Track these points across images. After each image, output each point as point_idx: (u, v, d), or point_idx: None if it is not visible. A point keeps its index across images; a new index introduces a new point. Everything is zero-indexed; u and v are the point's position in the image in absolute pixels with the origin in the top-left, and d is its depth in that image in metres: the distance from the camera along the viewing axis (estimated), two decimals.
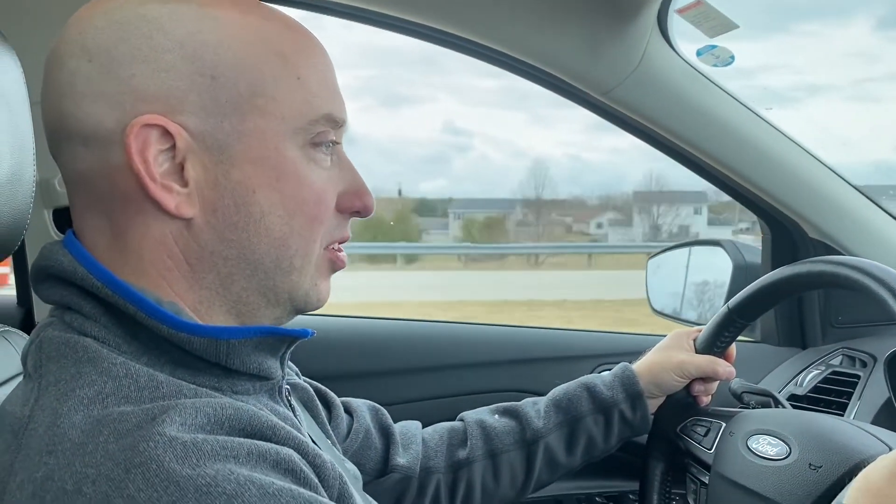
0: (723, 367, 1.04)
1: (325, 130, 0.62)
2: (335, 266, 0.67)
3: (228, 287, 0.60)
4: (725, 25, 1.11)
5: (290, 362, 0.87)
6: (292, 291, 0.63)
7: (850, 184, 1.34)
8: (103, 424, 0.49)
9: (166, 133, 0.56)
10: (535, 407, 1.03)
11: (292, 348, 0.66)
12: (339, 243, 0.67)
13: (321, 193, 0.62)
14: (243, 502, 0.46)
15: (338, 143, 0.65)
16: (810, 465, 0.83)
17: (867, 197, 1.35)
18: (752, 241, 1.58)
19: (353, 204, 0.66)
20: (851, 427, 0.88)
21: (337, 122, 0.63)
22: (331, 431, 0.86)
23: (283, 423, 0.55)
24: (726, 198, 1.41)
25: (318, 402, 0.87)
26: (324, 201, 0.63)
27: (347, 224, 0.67)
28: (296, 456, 0.52)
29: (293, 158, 0.60)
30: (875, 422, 1.06)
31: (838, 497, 0.70)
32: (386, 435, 0.97)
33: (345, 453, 0.89)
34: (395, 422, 1.01)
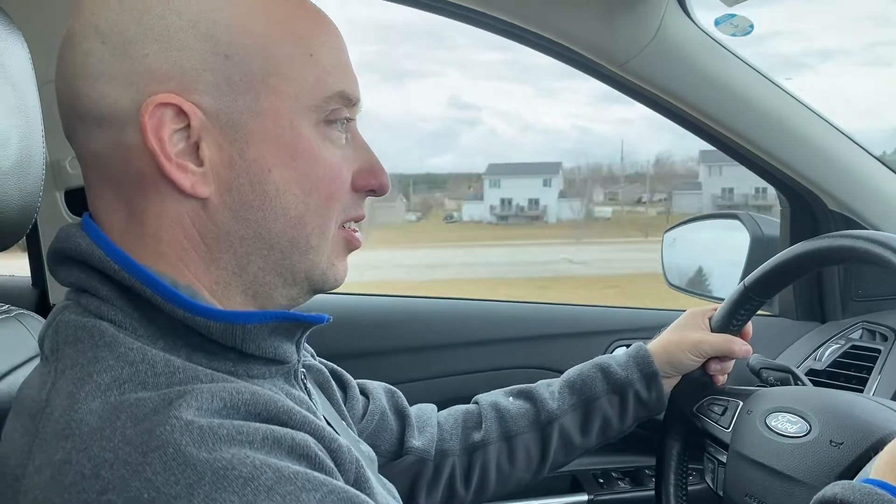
0: (739, 345, 1.03)
1: (338, 108, 0.62)
2: (351, 245, 0.67)
3: (245, 267, 0.60)
4: None
5: (305, 344, 0.88)
6: (309, 271, 0.63)
7: (871, 154, 1.31)
8: (120, 410, 0.49)
9: (181, 112, 0.56)
10: (549, 389, 1.03)
11: (308, 332, 0.66)
12: (355, 221, 0.67)
13: (336, 171, 0.62)
14: (259, 486, 0.46)
15: (352, 121, 0.65)
16: (831, 441, 0.82)
17: (889, 167, 1.33)
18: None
19: (369, 182, 0.66)
20: (872, 403, 0.87)
21: (350, 100, 0.63)
22: (346, 413, 0.87)
23: (298, 408, 0.55)
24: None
25: (333, 383, 0.87)
26: (339, 178, 0.62)
27: (363, 202, 0.67)
28: (311, 441, 0.53)
29: (308, 136, 0.60)
30: None
31: (863, 470, 0.70)
32: (402, 417, 0.97)
33: (360, 435, 0.89)
34: (410, 400, 1.01)
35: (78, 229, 0.59)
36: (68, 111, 0.58)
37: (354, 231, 0.67)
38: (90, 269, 0.57)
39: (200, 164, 0.57)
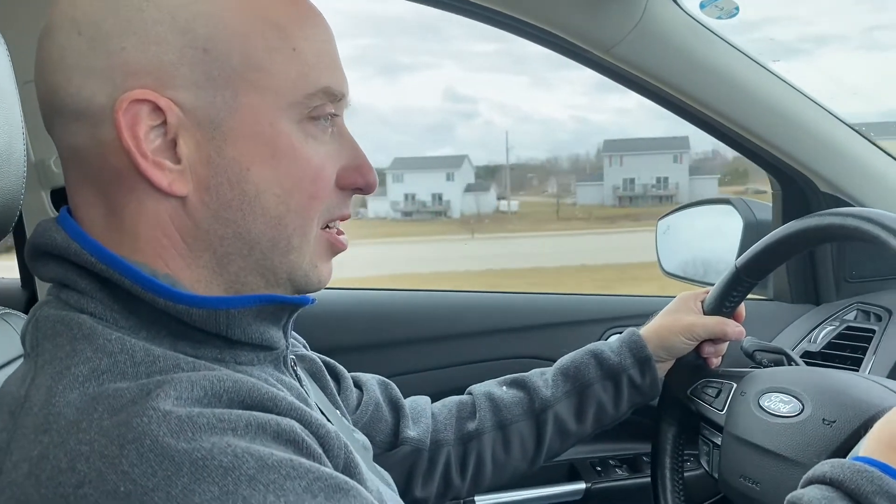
0: (732, 327, 1.03)
1: (322, 104, 0.60)
2: (335, 248, 0.66)
3: (225, 266, 0.59)
4: None
5: (297, 335, 0.87)
6: (291, 272, 0.62)
7: (861, 134, 1.31)
8: (98, 401, 0.48)
9: (157, 108, 0.54)
10: (542, 377, 1.03)
11: (294, 316, 0.65)
12: (341, 220, 0.66)
13: (318, 170, 0.61)
14: (240, 475, 0.46)
15: (337, 116, 0.63)
16: (824, 420, 0.82)
17: (879, 148, 1.32)
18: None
19: (355, 180, 0.64)
20: (865, 381, 0.87)
21: (335, 96, 0.61)
22: (340, 402, 0.86)
23: (283, 394, 0.54)
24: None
25: (326, 373, 0.87)
26: (322, 178, 0.61)
27: (349, 201, 0.66)
28: (297, 426, 0.52)
29: (289, 133, 0.59)
30: (891, 376, 1.05)
31: (854, 448, 0.69)
32: (396, 408, 0.97)
33: (354, 426, 0.89)
34: (405, 393, 1.01)
35: (54, 224, 0.59)
36: (47, 105, 0.58)
37: (339, 234, 0.66)
38: (68, 264, 0.57)
39: (178, 161, 0.56)
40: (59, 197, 1.22)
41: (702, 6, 1.16)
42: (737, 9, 1.15)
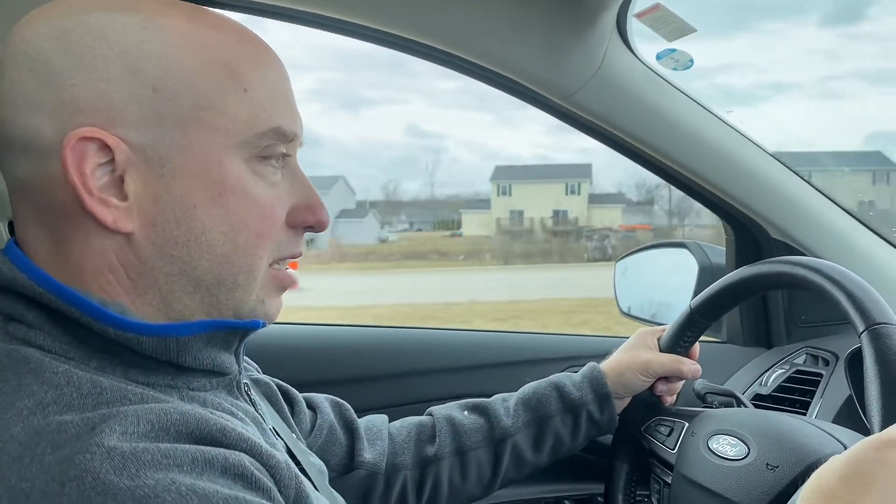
0: (687, 365, 1.05)
1: (273, 143, 0.61)
2: (283, 284, 0.66)
3: (171, 304, 0.59)
4: (683, 29, 1.12)
5: (248, 359, 0.87)
6: (237, 308, 0.62)
7: (810, 184, 1.35)
8: (41, 436, 0.48)
9: (105, 146, 0.55)
10: (504, 404, 1.04)
11: (245, 341, 0.66)
12: (291, 258, 0.66)
13: (266, 209, 0.61)
14: None
15: (289, 156, 0.64)
16: (767, 464, 0.84)
17: (828, 198, 1.37)
18: None
19: (306, 219, 0.65)
20: (809, 426, 0.89)
21: (287, 136, 0.62)
22: (294, 426, 0.86)
23: (233, 426, 0.54)
24: None
25: (280, 397, 0.87)
26: (269, 217, 0.61)
27: (300, 239, 0.66)
28: (246, 459, 0.52)
29: (237, 173, 0.59)
30: (836, 419, 1.07)
31: (793, 498, 0.71)
32: (350, 430, 0.97)
33: (309, 448, 0.88)
34: None
35: (1, 256, 0.58)
36: None
37: (287, 270, 0.66)
38: (15, 295, 0.57)
39: (124, 198, 0.56)
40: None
41: (658, 57, 1.21)
42: (691, 61, 1.19)
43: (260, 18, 1.13)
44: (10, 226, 1.18)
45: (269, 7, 1.09)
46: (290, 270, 0.67)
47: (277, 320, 0.70)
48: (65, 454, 0.46)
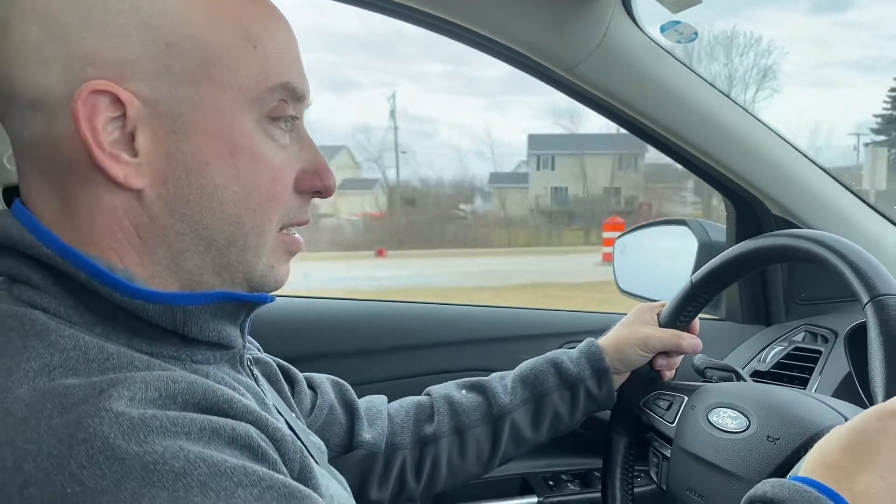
0: (687, 340, 1.05)
1: (283, 102, 0.61)
2: (291, 249, 0.66)
3: (180, 263, 0.59)
4: (688, 1, 1.10)
5: (251, 338, 0.87)
6: (247, 271, 0.62)
7: (811, 160, 1.34)
8: (48, 398, 0.47)
9: (117, 101, 0.54)
10: (501, 382, 1.04)
11: (252, 315, 0.65)
12: (299, 225, 0.66)
13: (277, 171, 0.61)
14: (192, 481, 0.45)
15: (297, 119, 0.64)
16: (768, 437, 0.84)
17: (828, 174, 1.36)
18: None
19: (314, 184, 0.65)
20: (810, 399, 0.89)
21: (295, 93, 0.62)
22: (294, 406, 0.86)
23: (239, 397, 0.54)
24: None
25: (281, 376, 0.87)
26: (280, 180, 0.61)
27: (307, 206, 0.66)
28: (253, 430, 0.51)
29: (248, 132, 0.59)
30: (835, 396, 1.07)
31: (795, 467, 0.71)
32: (350, 410, 0.97)
33: (309, 428, 0.88)
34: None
35: (9, 215, 0.58)
36: (2, 96, 0.57)
37: (295, 235, 0.66)
38: (22, 257, 0.56)
39: (135, 154, 0.56)
40: (11, 195, 1.19)
41: (662, 30, 1.19)
42: (695, 34, 1.18)
43: None
44: (5, 192, 1.17)
45: None
46: (298, 235, 0.66)
47: (277, 292, 0.69)
48: (73, 417, 0.46)
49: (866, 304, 0.77)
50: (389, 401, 1.04)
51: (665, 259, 1.60)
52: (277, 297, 0.68)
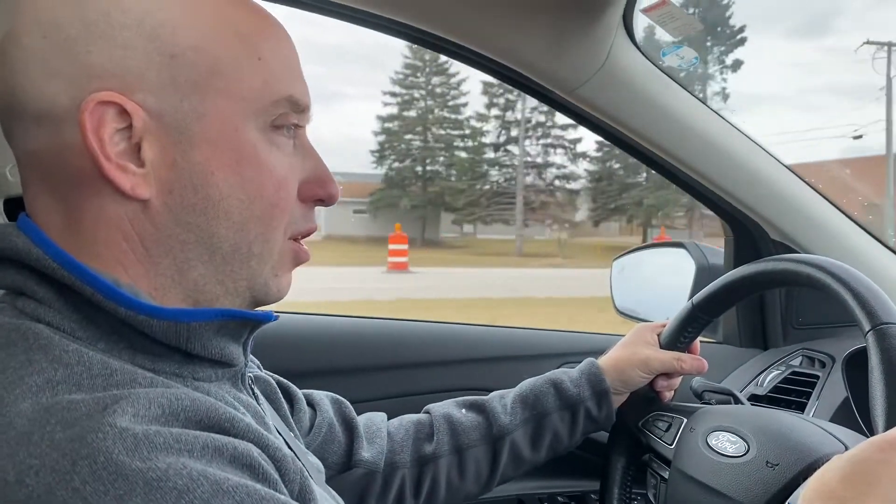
0: (688, 361, 1.05)
1: (286, 113, 0.61)
2: (298, 258, 0.66)
3: (185, 273, 0.59)
4: (690, 25, 1.11)
5: (252, 356, 0.87)
6: (251, 279, 0.62)
7: (810, 185, 1.35)
8: (51, 413, 0.47)
9: (123, 112, 0.55)
10: (501, 402, 1.03)
11: (255, 334, 0.65)
12: (307, 234, 0.66)
13: (281, 180, 0.61)
14: (195, 498, 0.45)
15: (301, 128, 0.64)
16: (767, 462, 0.83)
17: (828, 199, 1.37)
18: None
19: (316, 192, 0.65)
20: (810, 425, 0.89)
21: (299, 105, 0.62)
22: (293, 424, 0.85)
23: (241, 416, 0.53)
24: None
25: (280, 394, 0.86)
26: (284, 188, 0.62)
27: (313, 214, 0.67)
28: (254, 450, 0.51)
29: (253, 141, 0.59)
30: (832, 421, 1.07)
31: (794, 495, 0.70)
32: (349, 428, 0.97)
33: (308, 447, 0.88)
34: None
35: (14, 228, 0.57)
36: (6, 109, 0.57)
37: (302, 245, 0.66)
38: (27, 270, 0.56)
39: (142, 165, 0.56)
40: (12, 206, 1.20)
41: (663, 54, 1.20)
42: (696, 58, 1.19)
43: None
44: (6, 204, 1.17)
45: None
46: (305, 247, 0.67)
47: (278, 309, 0.69)
48: (76, 432, 0.45)
49: (868, 332, 0.77)
50: (388, 419, 1.03)
51: (662, 281, 1.60)
52: (275, 313, 0.68)
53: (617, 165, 32.61)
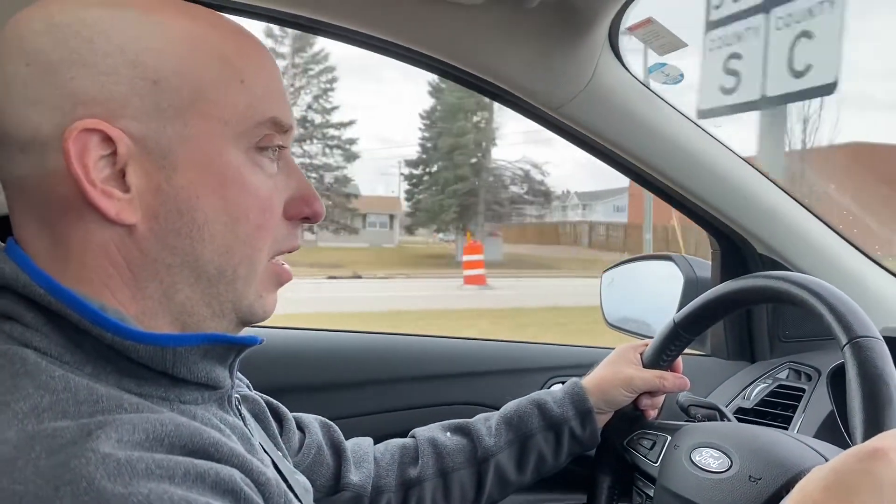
0: (670, 380, 1.06)
1: (270, 134, 0.62)
2: (281, 279, 0.67)
3: (171, 297, 0.59)
4: (674, 44, 1.13)
5: (240, 375, 0.87)
6: (236, 301, 0.62)
7: (796, 200, 1.36)
8: (36, 440, 0.47)
9: (107, 138, 0.55)
10: (486, 424, 1.04)
11: (241, 357, 0.66)
12: (289, 251, 0.67)
13: (266, 200, 0.62)
14: None
15: (284, 148, 0.65)
16: (750, 477, 0.84)
17: (815, 215, 1.38)
18: None
19: (302, 210, 0.66)
20: (791, 440, 0.90)
21: (282, 126, 0.63)
22: (282, 444, 0.86)
23: (225, 440, 0.54)
24: None
25: (269, 414, 0.87)
26: (269, 209, 0.62)
27: (297, 232, 0.67)
28: (237, 475, 0.52)
29: (237, 164, 0.60)
30: (818, 434, 1.08)
31: None
32: (338, 452, 0.97)
33: (296, 467, 0.88)
34: (347, 436, 1.00)
35: (1, 253, 0.58)
36: None
37: (283, 265, 0.67)
38: (14, 296, 0.56)
39: (126, 190, 0.56)
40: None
41: (649, 71, 1.22)
42: (681, 75, 1.20)
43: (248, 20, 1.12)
44: None
45: (263, 10, 1.09)
46: (287, 266, 0.68)
47: (264, 324, 0.70)
48: (60, 459, 0.46)
49: (844, 345, 0.78)
50: (375, 434, 1.04)
51: (652, 293, 1.61)
52: (262, 328, 0.68)
53: None
